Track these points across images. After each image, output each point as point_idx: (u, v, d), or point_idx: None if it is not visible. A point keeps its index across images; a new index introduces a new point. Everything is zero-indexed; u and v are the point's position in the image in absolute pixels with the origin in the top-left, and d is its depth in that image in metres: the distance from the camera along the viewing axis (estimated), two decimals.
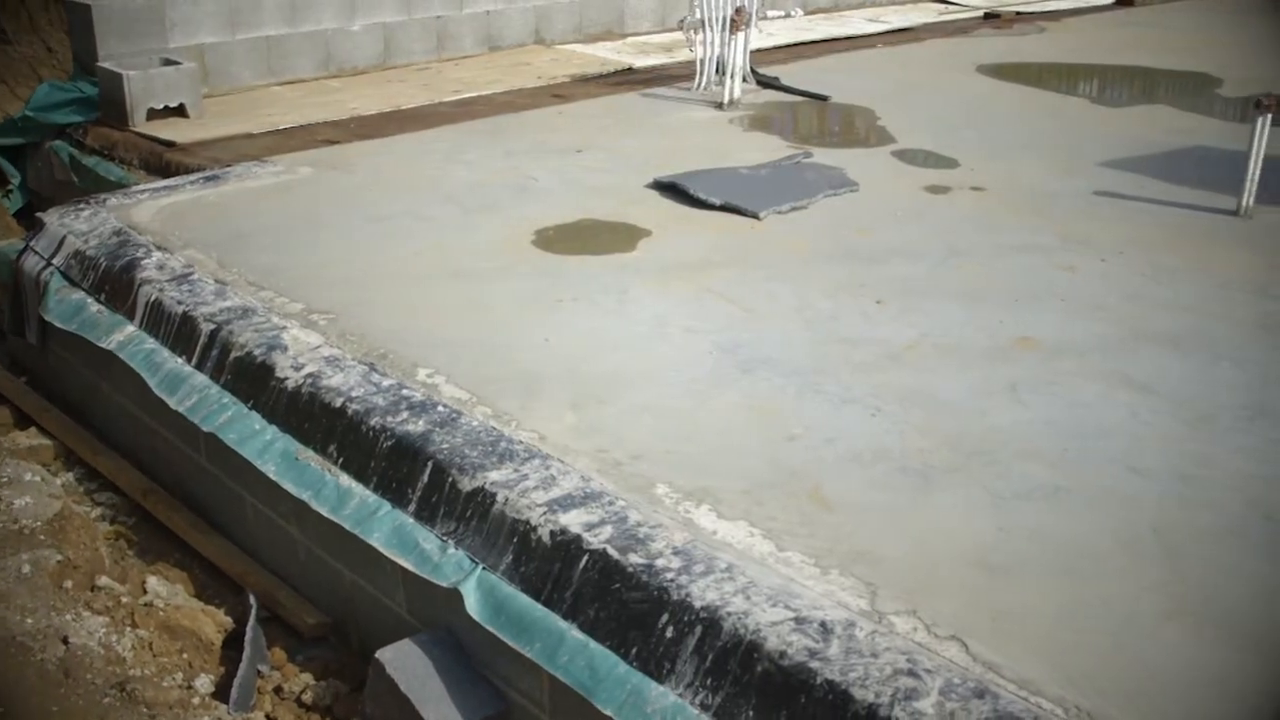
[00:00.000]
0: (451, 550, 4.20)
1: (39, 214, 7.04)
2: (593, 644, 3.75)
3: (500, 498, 4.17)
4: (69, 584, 4.84)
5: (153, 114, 8.71)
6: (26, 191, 9.21)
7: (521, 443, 4.47)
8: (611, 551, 3.85)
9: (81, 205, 6.95)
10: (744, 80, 9.88)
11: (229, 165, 7.79)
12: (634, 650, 3.68)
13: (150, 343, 5.70)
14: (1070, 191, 7.70)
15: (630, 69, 11.05)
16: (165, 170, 8.02)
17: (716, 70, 9.90)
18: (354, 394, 4.84)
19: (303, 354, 5.17)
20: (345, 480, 4.65)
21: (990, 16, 14.53)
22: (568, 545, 3.94)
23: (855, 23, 13.83)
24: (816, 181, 7.64)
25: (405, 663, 4.16)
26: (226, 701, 4.43)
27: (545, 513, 4.06)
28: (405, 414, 4.68)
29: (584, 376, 5.03)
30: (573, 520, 4.01)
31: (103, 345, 5.86)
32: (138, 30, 9.07)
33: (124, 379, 5.80)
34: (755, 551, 3.88)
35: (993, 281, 6.18)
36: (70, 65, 9.76)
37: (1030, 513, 4.16)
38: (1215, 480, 4.40)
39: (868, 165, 8.10)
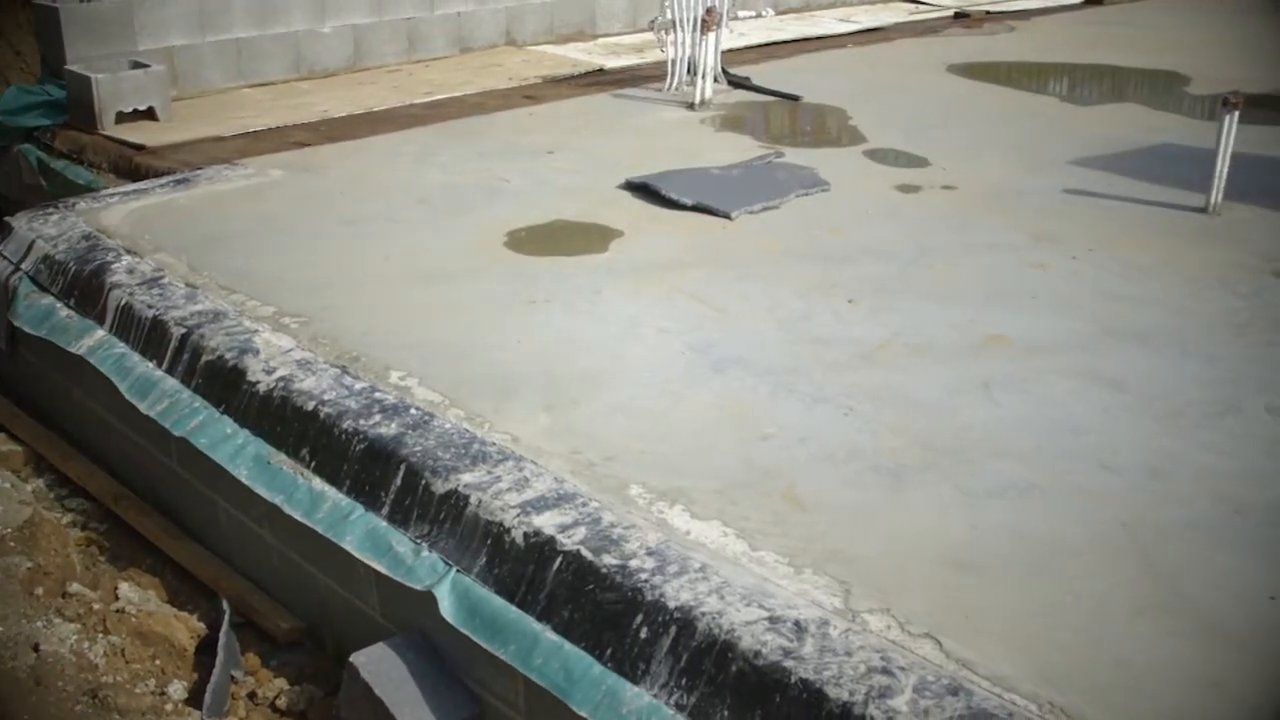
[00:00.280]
0: (425, 553, 4.20)
1: (7, 218, 6.99)
2: (567, 645, 3.75)
3: (474, 500, 4.16)
4: (40, 591, 4.80)
5: (122, 117, 8.67)
6: None
7: (495, 445, 4.46)
8: (585, 553, 3.85)
9: (50, 209, 6.91)
10: (715, 80, 9.88)
11: (199, 168, 7.75)
12: (609, 651, 3.68)
13: (121, 347, 5.67)
14: (1040, 190, 7.73)
15: (602, 70, 11.05)
16: (135, 174, 7.98)
17: (688, 71, 9.91)
18: (326, 397, 4.83)
19: (274, 358, 5.15)
20: (318, 484, 4.64)
21: (960, 16, 14.58)
22: (541, 547, 3.93)
23: (826, 23, 13.86)
24: (788, 181, 7.65)
25: (380, 666, 4.15)
26: (200, 708, 4.41)
27: (519, 514, 4.05)
28: (378, 417, 4.66)
29: (557, 378, 5.03)
30: (546, 522, 4.00)
31: (73, 350, 5.82)
32: (106, 33, 9.02)
33: (94, 384, 5.77)
34: (729, 551, 3.89)
35: (964, 280, 6.21)
36: (38, 68, 9.70)
37: (1002, 510, 4.18)
38: (1185, 476, 4.42)
39: (839, 165, 8.12)
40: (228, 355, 5.21)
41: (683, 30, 9.82)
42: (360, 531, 4.40)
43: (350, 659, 4.19)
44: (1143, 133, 9.13)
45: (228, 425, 5.04)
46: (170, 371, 5.41)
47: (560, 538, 3.93)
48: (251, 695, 4.61)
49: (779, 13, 14.03)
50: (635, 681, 3.59)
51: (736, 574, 3.75)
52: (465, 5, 11.52)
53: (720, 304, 5.81)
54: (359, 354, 5.19)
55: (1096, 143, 8.79)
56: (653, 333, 5.49)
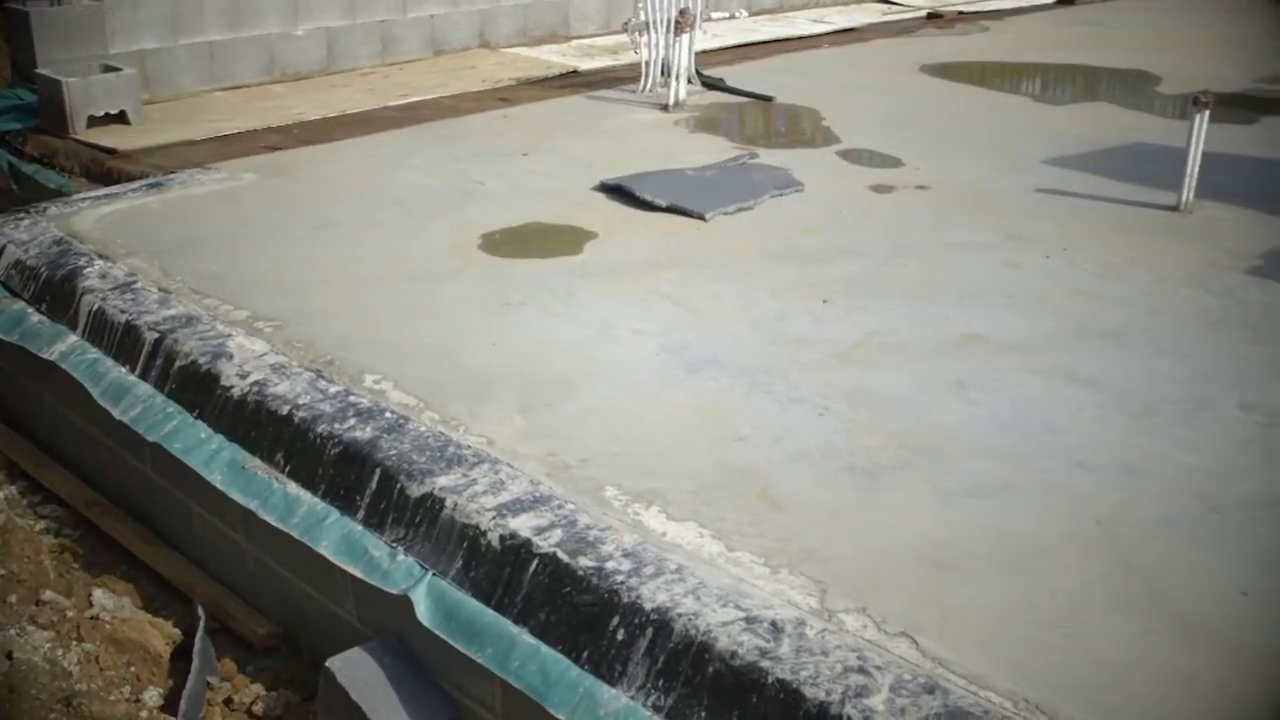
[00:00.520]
0: (401, 557, 4.18)
1: None
2: (544, 648, 3.74)
3: (449, 503, 4.15)
4: (13, 598, 4.78)
5: (93, 121, 8.63)
6: None
7: (470, 447, 4.45)
8: (561, 555, 3.85)
9: (21, 214, 6.86)
10: (689, 82, 9.90)
11: (172, 172, 7.71)
12: (586, 653, 3.67)
13: (93, 353, 5.64)
14: (1014, 189, 7.76)
15: (575, 72, 11.05)
16: (107, 178, 7.94)
17: (662, 72, 9.91)
18: (301, 401, 4.81)
19: (248, 362, 5.13)
20: (293, 488, 4.62)
21: (933, 16, 14.63)
22: (517, 549, 3.93)
23: (800, 24, 13.89)
24: (762, 182, 7.66)
25: (356, 671, 4.13)
26: (175, 714, 4.39)
27: (494, 517, 4.05)
28: (352, 420, 4.65)
29: (532, 380, 5.03)
30: (522, 524, 4.00)
31: (45, 356, 5.78)
32: (77, 36, 8.98)
33: (67, 390, 5.73)
34: (705, 552, 3.89)
35: (938, 279, 6.22)
36: (8, 72, 9.64)
37: (977, 509, 4.19)
38: (1159, 473, 4.45)
39: (813, 165, 8.14)
40: (201, 360, 5.19)
41: (656, 32, 9.83)
42: (336, 536, 4.38)
43: (326, 664, 4.17)
44: (1115, 132, 9.18)
45: (202, 430, 5.02)
46: (143, 377, 5.38)
47: (536, 540, 3.92)
48: (228, 701, 4.60)
49: (753, 14, 14.06)
50: (612, 683, 3.59)
51: (713, 575, 3.75)
52: (439, 8, 11.50)
53: (695, 305, 5.82)
54: (333, 358, 5.17)
55: (1069, 142, 8.83)
56: (628, 334, 5.49)
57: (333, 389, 4.88)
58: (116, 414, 5.31)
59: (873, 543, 3.99)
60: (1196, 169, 7.30)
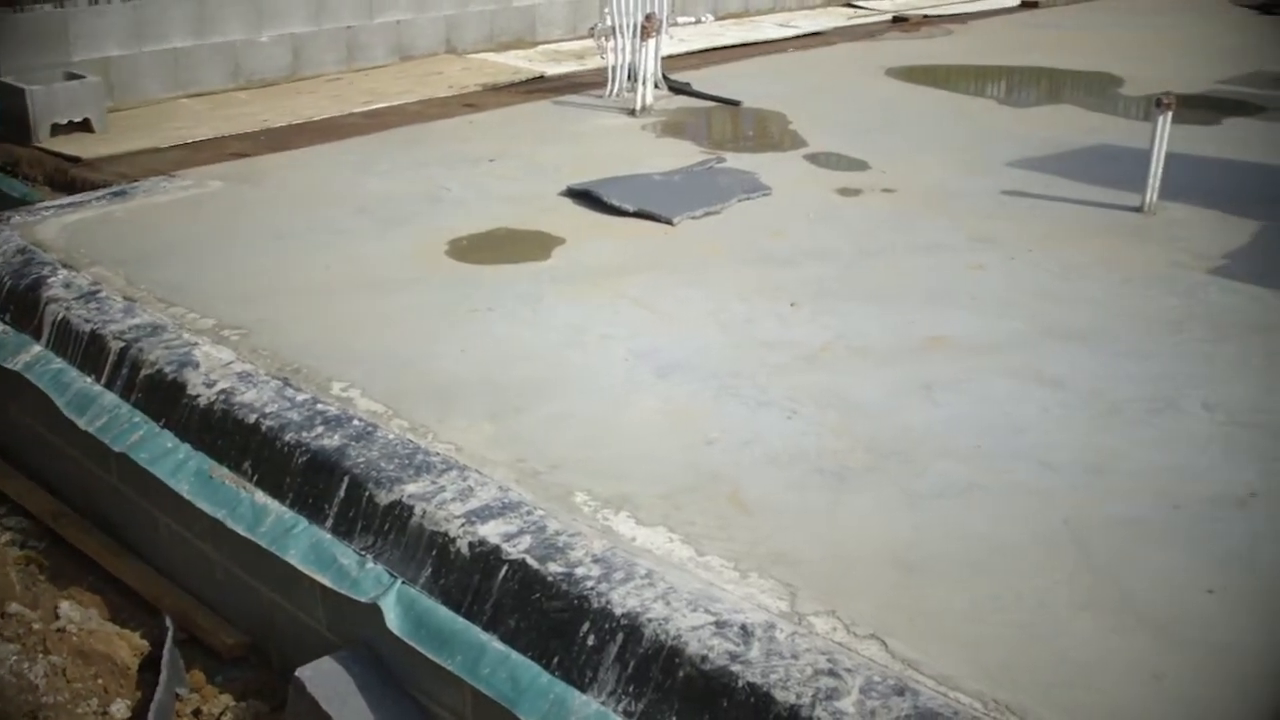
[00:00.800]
0: (370, 565, 4.17)
1: None
2: (514, 655, 3.74)
3: (418, 510, 4.14)
4: None
5: (57, 129, 8.57)
6: None
7: (438, 454, 4.45)
8: (531, 561, 3.84)
9: None
10: (656, 86, 9.91)
11: (136, 180, 7.67)
12: (556, 660, 3.67)
13: (58, 362, 5.60)
14: (979, 191, 7.81)
15: (542, 77, 11.05)
16: (71, 186, 7.89)
17: (628, 77, 9.92)
18: (268, 410, 4.79)
19: (214, 370, 5.10)
20: (260, 497, 4.60)
21: (898, 20, 14.70)
22: (487, 556, 3.92)
23: (766, 28, 13.93)
24: (729, 186, 7.68)
25: (326, 680, 4.12)
26: None
27: (464, 524, 4.04)
28: (320, 429, 4.64)
29: (500, 386, 5.02)
30: (491, 531, 3.99)
31: (8, 366, 5.74)
32: (40, 43, 8.92)
33: (32, 400, 5.69)
34: (675, 556, 3.89)
35: (904, 281, 6.25)
36: None
37: (945, 510, 4.21)
38: (1124, 472, 4.48)
39: (780, 169, 8.16)
40: (167, 369, 5.16)
41: (623, 36, 9.83)
42: (304, 545, 4.37)
43: (296, 673, 4.16)
44: (1079, 134, 9.25)
45: (168, 440, 5.00)
46: (109, 386, 5.35)
47: (505, 547, 3.92)
48: (196, 713, 4.57)
49: (719, 18, 14.07)
50: (583, 689, 3.59)
51: (682, 579, 3.75)
52: (405, 13, 11.48)
53: (663, 309, 5.83)
54: (300, 366, 5.15)
55: (1034, 144, 8.89)
56: (596, 339, 5.49)
57: (300, 397, 4.87)
58: (82, 424, 5.28)
59: (842, 545, 4.00)
60: (1160, 170, 7.36)
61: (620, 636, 3.58)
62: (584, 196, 7.42)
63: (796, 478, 4.40)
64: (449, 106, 9.87)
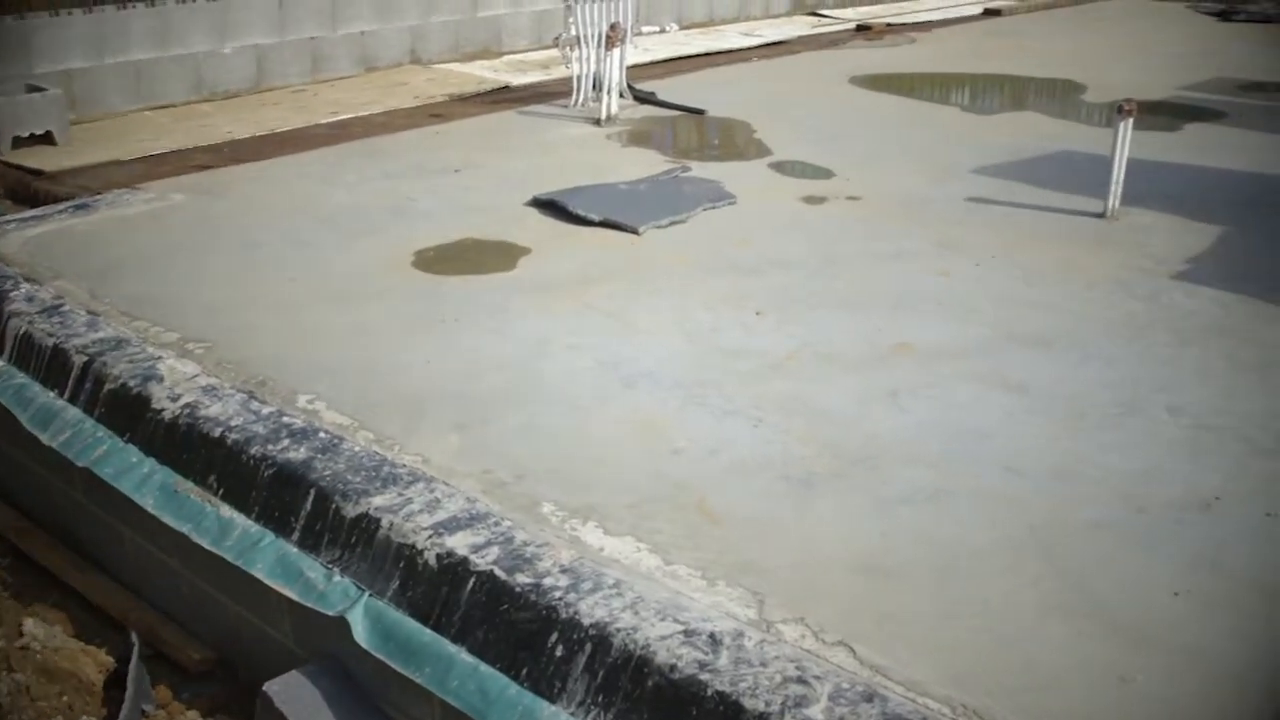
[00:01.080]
0: (337, 578, 4.15)
1: None
2: (483, 666, 3.73)
3: (385, 523, 4.13)
4: None
5: (19, 142, 8.52)
6: None
7: (405, 466, 4.43)
8: (499, 572, 3.83)
9: None
10: (621, 96, 9.93)
11: (99, 193, 7.63)
12: (525, 671, 3.66)
13: (20, 377, 5.55)
14: (943, 198, 7.85)
15: (507, 87, 11.05)
16: (33, 200, 7.84)
17: (594, 87, 9.94)
18: (233, 423, 4.76)
19: (179, 384, 5.07)
20: (226, 511, 4.57)
21: (862, 28, 14.79)
22: (454, 568, 3.91)
23: (730, 37, 13.98)
24: (695, 195, 7.70)
25: (293, 695, 4.10)
26: None
27: (431, 536, 4.03)
28: (286, 442, 4.61)
29: (467, 397, 5.01)
30: (459, 542, 3.98)
31: None
32: (1, 56, 8.85)
33: None
34: (643, 566, 3.89)
35: (870, 289, 6.27)
36: None
37: (912, 516, 4.23)
38: (1089, 476, 4.50)
39: (745, 177, 8.18)
40: (131, 383, 5.13)
41: (587, 46, 9.85)
42: (271, 558, 4.34)
43: (264, 688, 4.13)
44: (1042, 140, 9.32)
45: (133, 454, 4.96)
46: (72, 401, 5.31)
47: (473, 558, 3.91)
48: None
49: (683, 28, 14.12)
50: (552, 700, 3.58)
51: (651, 589, 3.75)
52: (369, 24, 11.46)
53: (629, 319, 5.83)
54: (266, 378, 5.13)
55: (997, 151, 8.95)
56: (562, 349, 5.48)
57: (265, 410, 4.84)
58: (45, 439, 5.24)
59: (809, 552, 4.01)
60: (1122, 176, 7.42)
61: (589, 647, 3.57)
62: (550, 206, 7.42)
63: (764, 486, 4.40)
64: (414, 117, 9.86)
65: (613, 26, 9.71)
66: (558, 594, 3.72)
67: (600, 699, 3.51)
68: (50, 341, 5.51)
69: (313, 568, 4.22)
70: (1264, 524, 4.23)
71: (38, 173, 8.13)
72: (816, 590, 3.79)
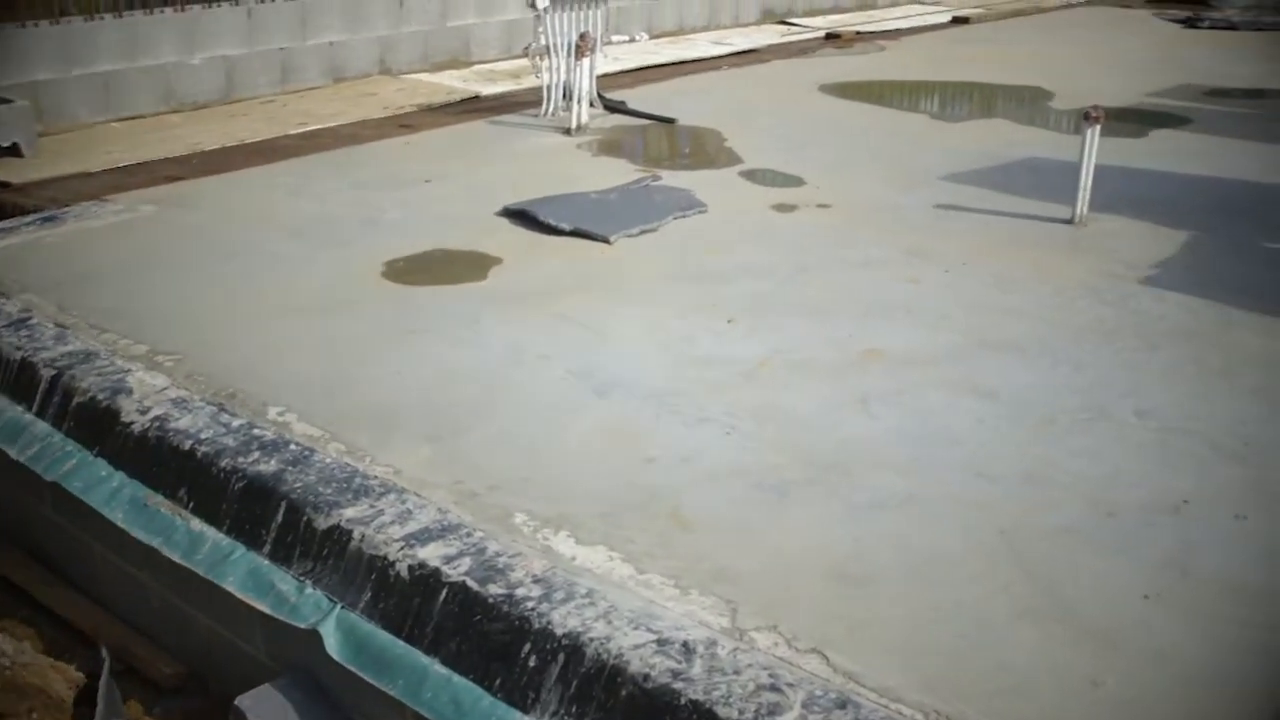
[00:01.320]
0: (309, 590, 4.14)
1: None
2: (456, 678, 3.72)
3: (357, 534, 4.11)
4: None
5: None
6: None
7: (376, 478, 4.42)
8: (471, 583, 3.83)
9: None
10: (591, 105, 9.93)
11: (67, 205, 7.58)
12: (498, 681, 3.66)
13: None
14: (913, 205, 7.88)
15: (477, 97, 11.04)
16: (0, 212, 7.78)
17: (564, 96, 9.94)
18: (203, 436, 4.74)
19: (148, 397, 5.05)
20: (197, 524, 4.55)
21: (831, 37, 14.83)
22: (426, 579, 3.90)
23: (701, 45, 14.00)
24: (665, 204, 7.70)
25: (265, 708, 4.08)
26: None
27: (403, 547, 4.02)
28: (257, 454, 4.59)
29: (438, 408, 5.00)
30: (431, 554, 3.97)
31: None
32: None
33: None
34: (615, 575, 3.89)
35: (840, 296, 6.30)
36: None
37: (884, 522, 4.24)
38: (1059, 481, 4.53)
39: (716, 186, 8.20)
40: (100, 396, 5.10)
41: (557, 55, 9.85)
42: (242, 571, 4.32)
43: (235, 702, 4.12)
44: (1010, 147, 9.37)
45: (102, 468, 4.93)
46: (41, 415, 5.27)
47: (445, 569, 3.90)
48: None
49: (653, 36, 14.11)
50: (526, 710, 3.58)
51: (623, 598, 3.75)
52: (338, 35, 11.43)
53: (601, 328, 5.83)
54: (235, 390, 5.10)
55: (966, 158, 8.99)
56: (534, 359, 5.48)
57: (236, 422, 4.82)
58: (13, 454, 5.20)
59: (782, 560, 4.01)
60: (1090, 182, 7.47)
61: (562, 657, 3.57)
62: (521, 216, 7.41)
63: (736, 493, 4.41)
64: (384, 128, 9.84)
65: (582, 36, 9.72)
66: (530, 604, 3.72)
67: (574, 709, 3.50)
68: (18, 355, 5.47)
69: (284, 580, 4.21)
70: (1233, 527, 4.27)
71: (4, 185, 8.07)
72: (789, 598, 3.80)
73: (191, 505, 4.61)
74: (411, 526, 4.11)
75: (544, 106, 10.02)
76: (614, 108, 10.39)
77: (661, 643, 3.53)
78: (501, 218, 7.46)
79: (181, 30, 10.22)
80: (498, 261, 6.73)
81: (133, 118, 9.90)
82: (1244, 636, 3.69)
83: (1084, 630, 3.69)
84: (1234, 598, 3.87)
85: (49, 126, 9.27)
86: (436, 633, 3.82)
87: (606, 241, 7.04)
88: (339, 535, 4.15)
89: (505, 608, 3.73)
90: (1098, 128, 7.47)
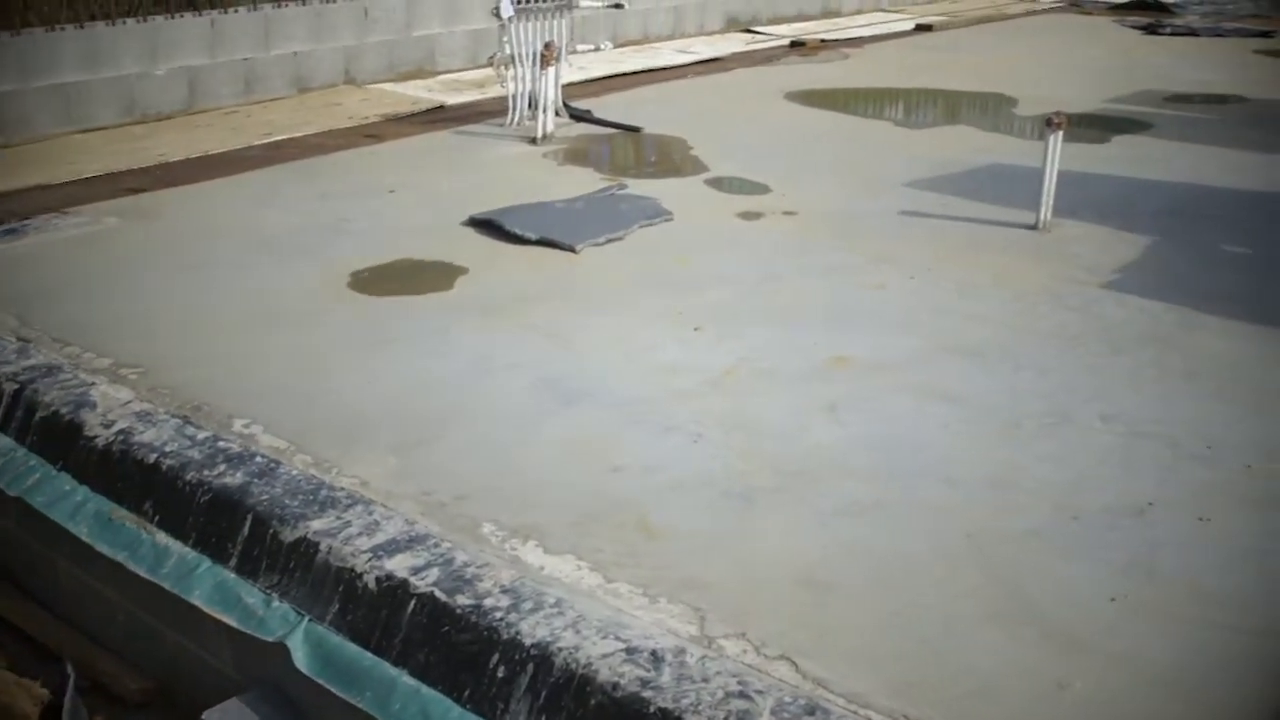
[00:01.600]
0: (276, 603, 4.12)
1: None
2: (425, 689, 3.71)
3: (323, 546, 4.10)
4: None
5: None
6: None
7: (343, 489, 4.40)
8: (439, 594, 3.82)
9: None
10: (556, 114, 9.93)
11: (28, 218, 7.51)
12: (467, 692, 3.65)
13: None
14: (878, 212, 7.92)
15: (443, 107, 11.03)
16: None
17: (529, 105, 9.94)
18: (168, 449, 4.71)
19: (112, 410, 5.02)
20: (162, 538, 4.52)
21: (796, 45, 14.89)
22: (394, 591, 3.89)
23: (666, 54, 14.03)
24: (631, 212, 7.71)
25: None
26: None
27: (370, 559, 4.00)
28: (222, 466, 4.57)
29: (405, 418, 4.99)
30: (398, 565, 3.96)
31: None
32: None
33: None
34: (584, 584, 3.89)
35: (806, 303, 6.32)
36: None
37: (851, 528, 4.26)
38: (1024, 485, 4.56)
39: (681, 194, 8.21)
40: (63, 410, 5.06)
41: (522, 65, 9.85)
42: (208, 585, 4.30)
43: (203, 716, 4.10)
44: (974, 153, 9.43)
45: (66, 482, 4.89)
46: (3, 429, 5.23)
47: (413, 580, 3.89)
48: None
49: (618, 45, 14.12)
50: None
51: (592, 607, 3.75)
52: (303, 45, 11.40)
53: (568, 337, 5.83)
54: (201, 403, 5.08)
55: (930, 164, 9.04)
56: (501, 368, 5.48)
57: (201, 435, 4.80)
58: None
59: (750, 567, 4.02)
60: (1053, 188, 7.52)
61: (531, 667, 3.56)
62: (487, 225, 7.40)
63: (704, 501, 4.42)
64: (349, 138, 9.82)
65: (547, 45, 9.72)
66: (499, 614, 3.71)
67: (544, 719, 3.50)
68: None
69: (251, 593, 4.19)
70: (1196, 529, 4.30)
71: None
72: (757, 605, 3.81)
73: (157, 519, 4.58)
74: (379, 538, 4.10)
75: (509, 116, 10.02)
76: (579, 116, 10.40)
77: (630, 651, 3.53)
78: (468, 227, 7.45)
79: (144, 41, 10.16)
80: (464, 271, 6.72)
81: (95, 129, 9.84)
82: (1209, 638, 3.72)
83: (1050, 633, 3.71)
84: (1199, 599, 3.90)
85: (9, 138, 9.22)
86: (405, 644, 3.81)
87: (573, 250, 7.04)
88: (306, 547, 4.13)
89: (473, 618, 3.72)
90: (1060, 134, 7.53)
